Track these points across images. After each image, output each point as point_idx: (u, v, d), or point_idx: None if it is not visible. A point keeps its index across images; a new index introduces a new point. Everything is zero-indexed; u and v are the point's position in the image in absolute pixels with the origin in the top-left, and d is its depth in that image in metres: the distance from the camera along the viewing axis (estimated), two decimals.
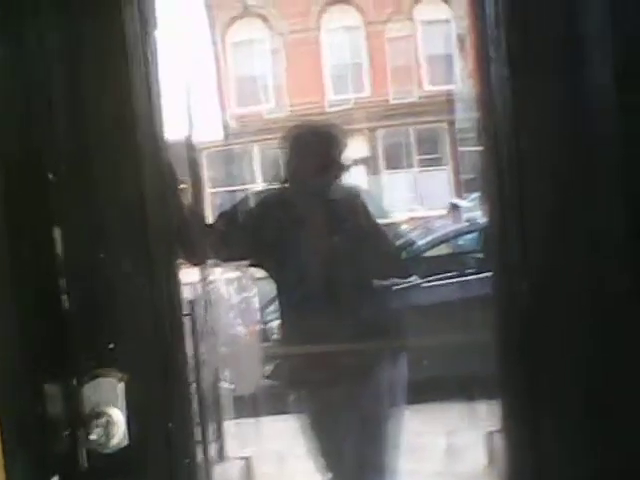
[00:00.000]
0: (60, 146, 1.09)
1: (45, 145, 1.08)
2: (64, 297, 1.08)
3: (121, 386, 1.08)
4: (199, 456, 1.23)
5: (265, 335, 2.25)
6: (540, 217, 1.08)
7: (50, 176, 1.08)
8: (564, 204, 1.07)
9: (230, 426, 2.22)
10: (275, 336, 2.24)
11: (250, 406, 2.27)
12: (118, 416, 1.07)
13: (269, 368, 2.14)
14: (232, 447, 2.25)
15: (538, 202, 1.08)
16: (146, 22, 1.13)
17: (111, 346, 1.09)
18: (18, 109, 1.06)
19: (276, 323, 2.21)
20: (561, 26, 1.05)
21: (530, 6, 1.05)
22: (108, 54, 1.09)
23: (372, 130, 4.68)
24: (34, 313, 1.05)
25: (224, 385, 1.53)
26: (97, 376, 1.08)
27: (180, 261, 1.33)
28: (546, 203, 1.08)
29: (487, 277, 1.23)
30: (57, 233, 1.08)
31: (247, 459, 2.33)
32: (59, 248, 1.09)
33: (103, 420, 1.06)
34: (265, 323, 2.24)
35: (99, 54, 1.09)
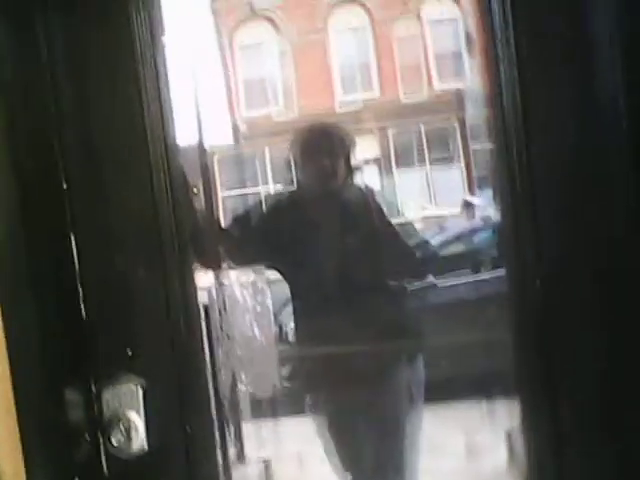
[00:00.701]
0: (72, 155, 1.10)
1: (57, 155, 1.09)
2: (82, 305, 1.10)
3: (140, 391, 1.09)
4: (218, 459, 1.23)
5: (281, 338, 2.25)
6: (552, 214, 1.08)
7: (64, 186, 1.09)
8: (576, 201, 1.07)
9: (249, 429, 2.22)
10: (291, 338, 2.24)
11: (268, 408, 2.27)
12: (137, 421, 1.08)
13: (286, 370, 2.14)
14: (251, 450, 2.25)
15: (550, 199, 1.08)
16: (155, 28, 1.13)
17: (129, 352, 1.09)
18: (30, 120, 1.07)
19: (291, 325, 2.21)
20: (570, 25, 1.05)
21: (538, 5, 1.05)
22: (118, 61, 1.10)
23: (383, 130, 4.67)
24: (53, 321, 1.06)
25: (241, 388, 1.54)
26: (116, 382, 1.09)
27: (195, 266, 1.33)
28: (558, 200, 1.08)
29: (500, 275, 1.23)
30: (73, 241, 1.10)
31: (266, 461, 2.34)
32: (74, 255, 1.10)
33: (123, 425, 1.07)
34: (280, 326, 2.25)
35: (109, 61, 1.11)
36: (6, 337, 0.99)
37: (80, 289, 1.10)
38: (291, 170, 2.21)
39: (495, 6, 1.06)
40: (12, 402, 0.99)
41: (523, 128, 1.06)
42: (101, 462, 1.10)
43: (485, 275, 2.62)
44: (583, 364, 1.07)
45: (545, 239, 1.07)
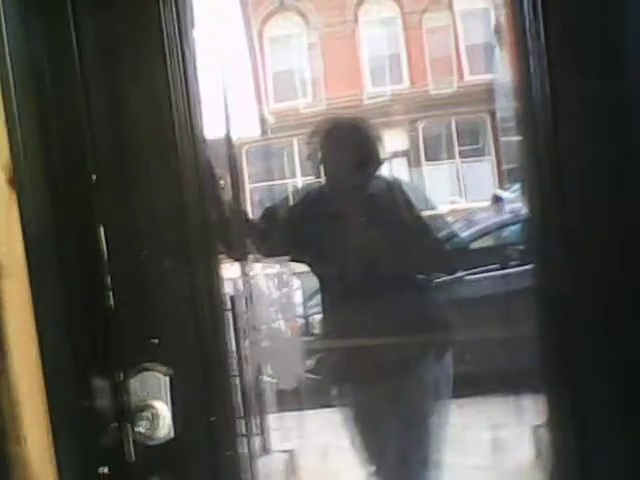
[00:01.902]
0: (101, 147, 1.12)
1: (87, 147, 1.11)
2: (109, 294, 1.11)
3: (166, 380, 1.10)
4: (242, 449, 1.25)
5: (307, 329, 2.26)
6: (581, 208, 1.07)
7: (93, 177, 1.11)
8: (605, 195, 1.06)
9: (273, 419, 2.24)
10: (317, 330, 2.25)
11: (293, 399, 2.28)
12: (163, 409, 1.10)
13: (311, 362, 2.15)
14: (275, 440, 2.27)
15: (578, 193, 1.07)
16: (184, 21, 1.14)
17: (155, 341, 1.11)
18: (58, 111, 1.09)
19: (318, 317, 2.22)
20: (600, 17, 1.03)
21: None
22: (147, 53, 1.11)
23: (412, 122, 4.64)
24: (81, 310, 1.08)
25: (266, 379, 1.55)
26: (143, 370, 1.10)
27: (221, 257, 1.34)
28: (587, 194, 1.07)
29: (528, 269, 1.22)
30: (101, 232, 1.11)
31: (290, 452, 2.35)
32: (103, 246, 1.11)
33: (149, 413, 1.08)
34: (306, 317, 2.26)
35: (138, 54, 1.11)
36: (36, 325, 1.01)
37: (108, 278, 1.11)
38: (318, 162, 2.21)
39: None
40: (42, 388, 1.01)
41: (552, 121, 1.05)
42: (128, 449, 1.11)
43: (513, 269, 2.60)
44: (610, 361, 1.05)
45: (574, 234, 1.06)
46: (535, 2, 1.03)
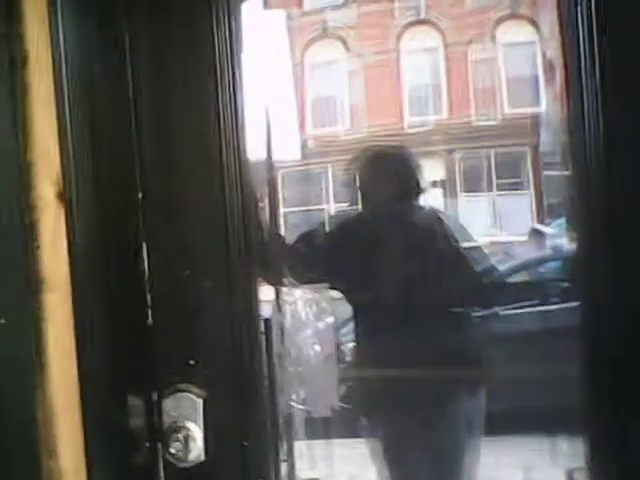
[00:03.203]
0: (149, 165, 1.13)
1: (134, 164, 1.12)
2: (149, 312, 1.11)
3: (200, 402, 1.09)
4: (272, 475, 1.23)
5: (339, 357, 2.24)
6: (631, 247, 1.04)
7: (139, 195, 1.11)
8: None
9: (301, 446, 2.21)
10: (349, 359, 2.23)
11: (322, 428, 2.26)
12: (196, 431, 1.09)
13: (342, 391, 2.13)
14: (302, 468, 2.24)
15: (629, 232, 1.04)
16: (235, 45, 1.15)
17: (192, 362, 1.10)
18: (108, 129, 1.10)
19: (350, 345, 2.19)
20: None
21: (630, 32, 1.02)
22: (198, 74, 1.12)
23: (450, 152, 4.63)
24: (121, 327, 1.08)
25: (298, 406, 1.53)
26: (177, 391, 1.10)
27: (259, 280, 1.34)
28: (637, 233, 1.04)
29: (569, 307, 1.18)
30: (144, 250, 1.12)
31: None
32: (145, 265, 1.12)
33: (182, 434, 1.07)
34: (339, 345, 2.24)
35: (190, 74, 1.13)
36: (76, 340, 1.01)
37: (149, 297, 1.12)
38: (356, 189, 2.21)
39: (581, 33, 1.03)
40: (78, 404, 1.01)
41: (604, 158, 1.03)
42: (158, 469, 1.11)
43: (552, 306, 2.55)
44: None
45: (623, 272, 1.03)
46: (591, 38, 1.02)
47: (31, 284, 0.98)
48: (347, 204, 2.43)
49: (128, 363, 1.09)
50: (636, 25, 1.03)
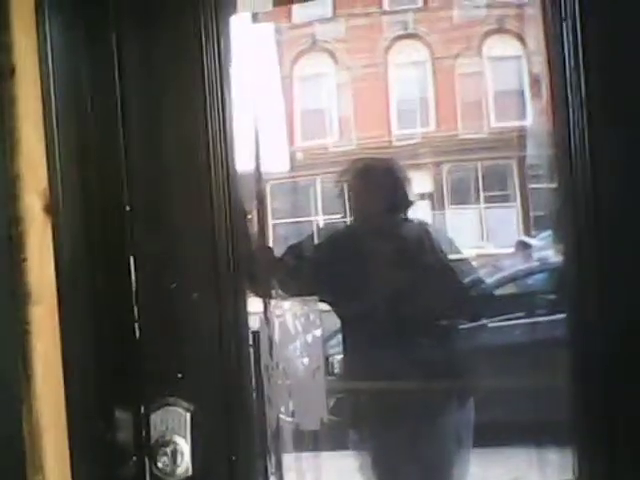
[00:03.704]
0: (136, 178, 1.13)
1: (122, 178, 1.12)
2: (136, 325, 1.11)
3: (188, 416, 1.09)
4: None
5: (328, 369, 2.23)
6: (618, 258, 1.05)
7: (127, 208, 1.11)
8: None
9: (289, 459, 2.20)
10: (337, 371, 2.22)
11: (311, 441, 2.24)
12: (184, 445, 1.08)
13: (331, 403, 2.12)
14: None
15: (616, 244, 1.05)
16: (224, 58, 1.16)
17: (180, 375, 1.10)
18: (97, 141, 1.10)
19: (338, 358, 2.19)
20: None
21: (614, 46, 1.03)
22: (187, 86, 1.13)
23: (438, 165, 4.65)
24: (108, 340, 1.08)
25: (286, 419, 1.52)
26: (165, 405, 1.09)
27: (247, 292, 1.33)
28: (624, 244, 1.05)
29: (556, 319, 1.19)
30: (131, 263, 1.11)
31: None
32: (132, 277, 1.11)
33: (169, 449, 1.07)
34: (327, 358, 2.23)
35: (178, 86, 1.13)
36: (62, 353, 1.00)
37: (136, 309, 1.11)
38: (344, 202, 2.21)
39: (566, 47, 1.05)
40: (64, 417, 1.00)
41: (590, 170, 1.04)
42: None
43: (539, 318, 2.55)
44: None
45: (609, 284, 1.04)
46: (576, 54, 1.03)
47: (17, 297, 0.97)
48: (336, 216, 2.43)
49: (115, 377, 1.08)
50: (620, 40, 1.04)
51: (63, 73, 1.06)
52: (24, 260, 0.98)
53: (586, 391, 1.07)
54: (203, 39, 1.13)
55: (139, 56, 1.13)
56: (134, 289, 1.11)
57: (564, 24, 1.06)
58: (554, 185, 1.16)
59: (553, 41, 1.10)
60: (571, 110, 1.04)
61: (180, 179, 1.13)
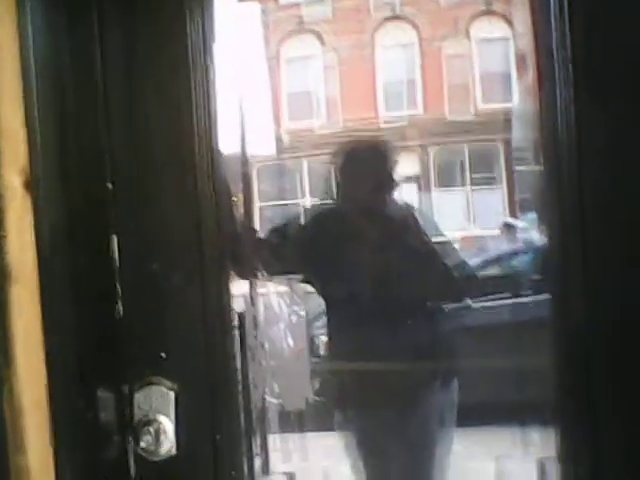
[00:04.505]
0: (119, 156, 1.11)
1: (104, 155, 1.10)
2: (119, 304, 1.10)
3: (172, 395, 1.08)
4: (244, 469, 1.22)
5: (312, 351, 2.24)
6: (602, 240, 1.05)
7: (109, 185, 1.10)
8: (627, 227, 1.04)
9: (275, 440, 2.21)
10: (322, 352, 2.23)
11: (296, 421, 2.26)
12: (168, 425, 1.08)
13: (315, 384, 2.13)
14: (276, 462, 2.24)
15: (600, 225, 1.05)
16: (207, 36, 1.14)
17: (163, 355, 1.09)
18: (78, 118, 1.09)
19: (323, 339, 2.20)
20: (632, 49, 1.02)
21: (600, 27, 1.03)
22: (171, 65, 1.11)
23: (424, 147, 4.65)
24: (90, 319, 1.07)
25: (271, 399, 1.53)
26: (149, 384, 1.08)
27: (231, 274, 1.33)
28: (608, 225, 1.05)
29: (541, 299, 1.20)
30: (114, 241, 1.10)
31: (290, 474, 2.32)
32: (115, 256, 1.10)
33: (153, 428, 1.06)
34: (312, 338, 2.24)
35: (162, 65, 1.11)
36: (43, 333, 0.99)
37: (119, 289, 1.10)
38: (331, 183, 2.21)
39: (554, 29, 1.04)
40: (45, 398, 0.99)
41: (576, 151, 1.04)
42: (129, 463, 1.09)
43: (523, 299, 2.57)
44: (628, 395, 1.03)
45: (594, 265, 1.04)
46: (563, 32, 1.03)
47: None
48: (322, 197, 2.43)
49: (98, 356, 1.08)
50: (608, 21, 1.04)
51: (43, 49, 1.04)
52: (3, 237, 0.96)
53: (569, 371, 1.08)
54: (187, 17, 1.11)
55: (122, 35, 1.11)
56: (117, 268, 1.10)
57: (551, 5, 1.05)
58: (539, 167, 1.17)
59: (540, 23, 1.09)
60: (558, 92, 1.04)
61: (164, 158, 1.12)
